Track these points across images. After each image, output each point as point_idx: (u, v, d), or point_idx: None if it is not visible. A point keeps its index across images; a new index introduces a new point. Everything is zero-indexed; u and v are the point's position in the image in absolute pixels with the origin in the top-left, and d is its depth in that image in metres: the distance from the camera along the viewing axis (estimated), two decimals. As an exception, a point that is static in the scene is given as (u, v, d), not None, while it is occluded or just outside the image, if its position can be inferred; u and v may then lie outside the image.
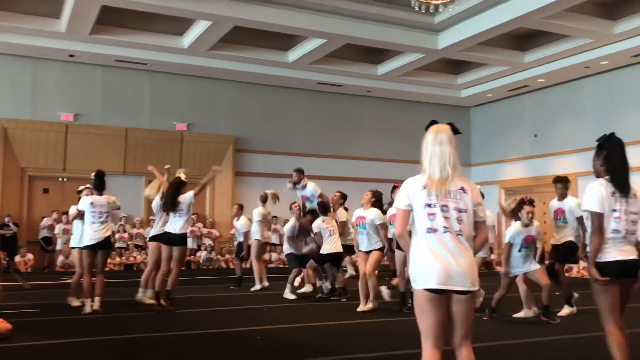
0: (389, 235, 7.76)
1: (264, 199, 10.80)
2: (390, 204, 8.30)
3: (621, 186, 3.82)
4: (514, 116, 18.49)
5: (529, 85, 17.16)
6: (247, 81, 16.86)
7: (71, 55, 14.79)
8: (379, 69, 16.59)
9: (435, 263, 2.99)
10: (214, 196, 16.53)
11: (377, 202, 8.05)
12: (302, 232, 9.39)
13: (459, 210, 3.07)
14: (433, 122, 3.27)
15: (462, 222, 3.07)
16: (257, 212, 10.62)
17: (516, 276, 7.04)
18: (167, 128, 16.16)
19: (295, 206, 9.88)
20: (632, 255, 3.80)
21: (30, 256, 14.06)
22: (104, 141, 15.36)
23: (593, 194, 3.80)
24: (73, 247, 8.33)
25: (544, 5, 11.61)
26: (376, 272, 7.74)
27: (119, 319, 7.11)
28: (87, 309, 7.20)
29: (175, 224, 7.81)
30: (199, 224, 15.98)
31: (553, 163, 16.88)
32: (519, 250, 6.84)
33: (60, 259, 14.11)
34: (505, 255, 6.89)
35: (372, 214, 7.70)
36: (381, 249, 7.70)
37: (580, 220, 7.24)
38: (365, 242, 7.72)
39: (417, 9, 10.36)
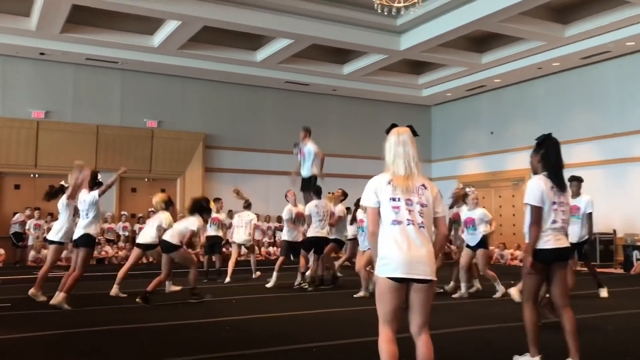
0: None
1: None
2: (357, 204, 9.12)
3: (559, 182, 4.30)
4: (472, 115, 19.25)
5: (485, 85, 17.91)
6: (217, 80, 17.23)
7: (42, 54, 14.93)
8: (344, 68, 17.11)
9: (399, 253, 3.20)
10: (184, 192, 16.85)
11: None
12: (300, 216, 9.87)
13: (422, 205, 3.31)
14: (394, 125, 3.52)
15: (424, 216, 3.30)
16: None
17: None
18: (138, 125, 16.43)
19: (291, 193, 10.25)
20: (566, 244, 4.35)
21: (1, 251, 14.21)
22: (75, 138, 15.55)
23: (534, 189, 4.23)
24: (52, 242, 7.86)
25: (500, 9, 12.17)
26: (368, 267, 8.32)
27: (90, 312, 7.11)
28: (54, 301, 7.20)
29: (80, 225, 7.49)
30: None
31: (508, 159, 17.74)
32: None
33: (31, 254, 14.28)
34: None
35: None
36: None
37: (589, 216, 7.91)
38: (364, 241, 8.51)
39: (380, 11, 10.74)
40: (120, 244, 15.51)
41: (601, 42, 13.79)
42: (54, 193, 8.03)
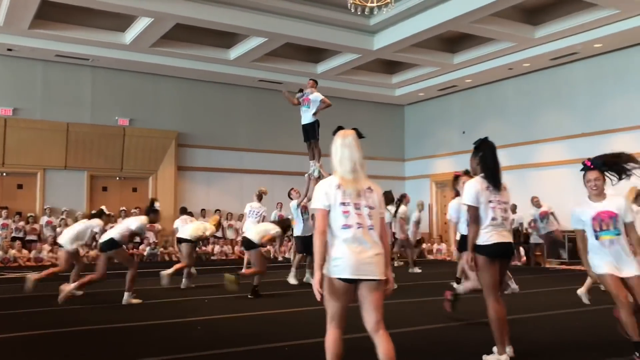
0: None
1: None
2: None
3: (494, 182, 4.57)
4: (444, 114, 19.44)
5: (457, 85, 18.12)
6: (190, 77, 17.09)
7: (9, 50, 14.65)
8: (318, 67, 17.12)
9: (349, 255, 3.30)
10: (156, 191, 16.70)
11: (389, 201, 9.40)
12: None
13: (369, 207, 3.40)
14: (340, 128, 3.60)
15: (372, 218, 3.39)
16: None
17: None
18: (109, 123, 16.22)
19: (295, 192, 10.67)
20: (509, 239, 4.58)
21: (-32, 252, 13.91)
22: (44, 136, 15.29)
23: (469, 190, 4.53)
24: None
25: (472, 10, 12.33)
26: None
27: (59, 313, 7.02)
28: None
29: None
30: (142, 218, 16.11)
31: (480, 158, 17.94)
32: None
33: (-1, 254, 14.02)
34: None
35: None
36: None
37: None
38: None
39: (353, 11, 10.79)
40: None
41: (570, 44, 14.05)
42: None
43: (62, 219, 15.10)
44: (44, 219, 15.19)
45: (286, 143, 18.65)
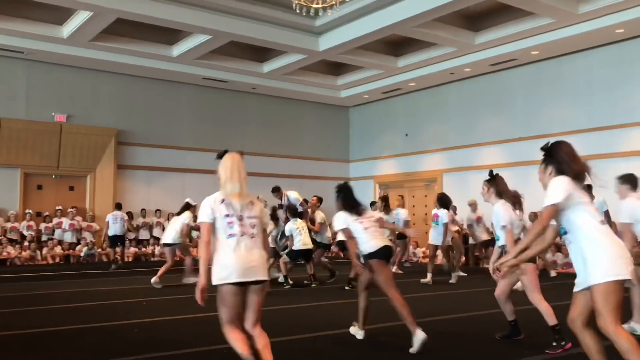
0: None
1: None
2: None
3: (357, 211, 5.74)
4: (388, 116, 19.68)
5: (401, 89, 18.38)
6: (131, 74, 16.68)
7: (-64, 39, 13.94)
8: (264, 67, 17.02)
9: (235, 261, 3.73)
10: (94, 189, 16.22)
11: (386, 207, 10.43)
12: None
13: (251, 218, 3.90)
14: (226, 151, 4.11)
15: (255, 227, 3.89)
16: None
17: None
18: (45, 119, 15.60)
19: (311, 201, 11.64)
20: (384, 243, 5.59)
21: None
22: (-25, 131, 14.61)
23: (339, 219, 5.68)
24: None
25: (415, 15, 12.52)
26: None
27: None
28: None
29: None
30: (79, 218, 15.62)
31: (422, 160, 18.30)
32: None
33: None
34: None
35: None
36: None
37: (606, 214, 9.59)
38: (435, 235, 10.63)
39: (298, 11, 10.77)
40: (25, 243, 14.68)
41: (508, 50, 14.47)
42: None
43: (-7, 218, 14.49)
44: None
45: (231, 143, 18.42)
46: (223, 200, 3.89)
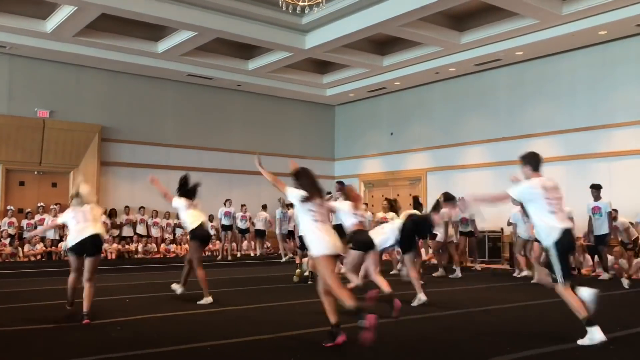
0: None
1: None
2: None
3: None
4: (373, 115, 19.74)
5: (386, 88, 18.44)
6: (115, 70, 16.54)
7: None
8: (249, 64, 16.97)
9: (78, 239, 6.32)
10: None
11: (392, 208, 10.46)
12: None
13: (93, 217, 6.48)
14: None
15: (97, 220, 6.52)
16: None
17: None
18: (28, 115, 15.43)
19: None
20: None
21: None
22: (-45, 126, 14.41)
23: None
24: None
25: (401, 14, 12.58)
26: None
27: None
28: None
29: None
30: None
31: (406, 159, 18.38)
32: None
33: None
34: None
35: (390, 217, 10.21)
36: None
37: (609, 215, 10.47)
38: (523, 230, 10.84)
39: (284, 9, 10.80)
40: (5, 240, 14.50)
41: (493, 51, 14.58)
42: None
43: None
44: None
45: (216, 140, 18.45)
46: (74, 210, 6.51)
